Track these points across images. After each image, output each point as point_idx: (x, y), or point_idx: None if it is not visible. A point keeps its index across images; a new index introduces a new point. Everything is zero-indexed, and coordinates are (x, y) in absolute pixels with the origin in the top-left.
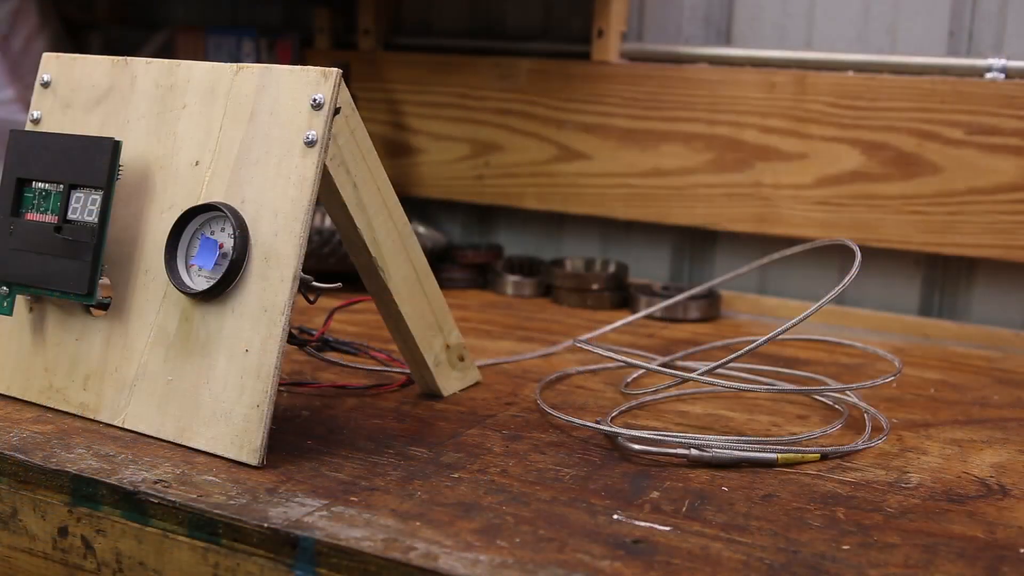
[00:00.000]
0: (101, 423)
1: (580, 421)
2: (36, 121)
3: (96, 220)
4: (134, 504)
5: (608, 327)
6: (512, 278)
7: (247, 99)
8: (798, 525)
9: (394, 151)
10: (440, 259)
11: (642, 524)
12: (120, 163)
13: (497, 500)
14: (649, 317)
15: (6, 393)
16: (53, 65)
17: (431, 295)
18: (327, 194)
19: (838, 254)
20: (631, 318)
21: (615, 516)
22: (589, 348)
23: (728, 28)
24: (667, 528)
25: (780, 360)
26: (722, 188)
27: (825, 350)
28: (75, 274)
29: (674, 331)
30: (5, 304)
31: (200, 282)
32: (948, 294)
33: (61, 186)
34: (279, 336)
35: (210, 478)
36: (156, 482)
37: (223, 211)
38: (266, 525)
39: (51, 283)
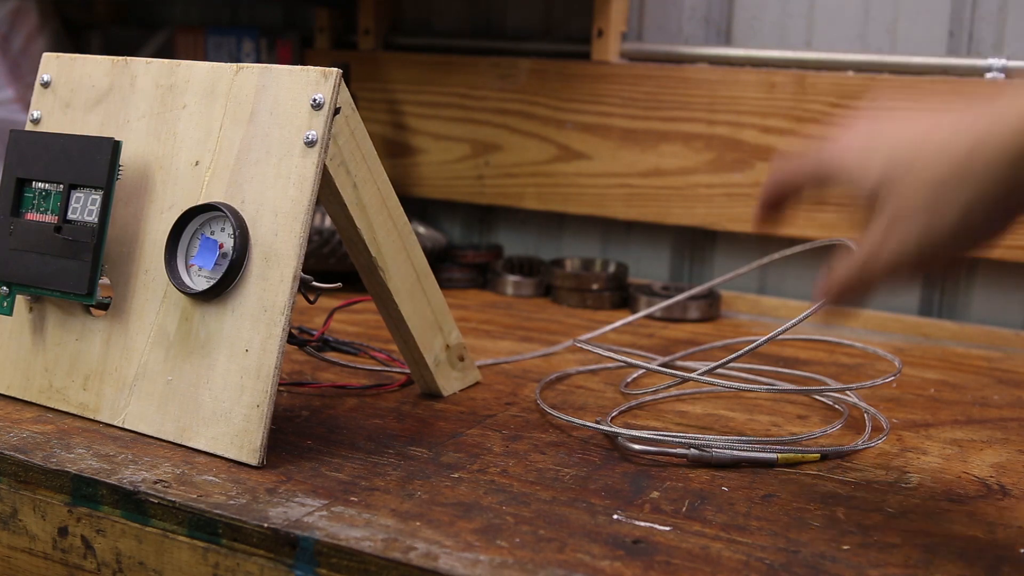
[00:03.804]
0: (101, 423)
1: (580, 421)
2: (36, 121)
3: (96, 220)
4: (134, 504)
5: (608, 327)
6: (512, 278)
7: (247, 99)
8: (798, 525)
9: (394, 151)
10: (440, 259)
11: (642, 524)
12: (120, 163)
13: (497, 500)
14: (649, 317)
15: (6, 393)
16: (53, 65)
17: (431, 295)
18: (327, 194)
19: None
20: (631, 318)
21: (615, 516)
22: (589, 348)
23: (728, 28)
24: (667, 528)
25: (780, 360)
26: (722, 188)
27: (825, 350)
28: (75, 274)
29: (674, 331)
30: (5, 304)
31: (200, 282)
32: (948, 294)
33: (61, 186)
34: (279, 336)
35: (210, 478)
36: (156, 482)
37: (223, 211)
38: (266, 525)
39: (51, 283)
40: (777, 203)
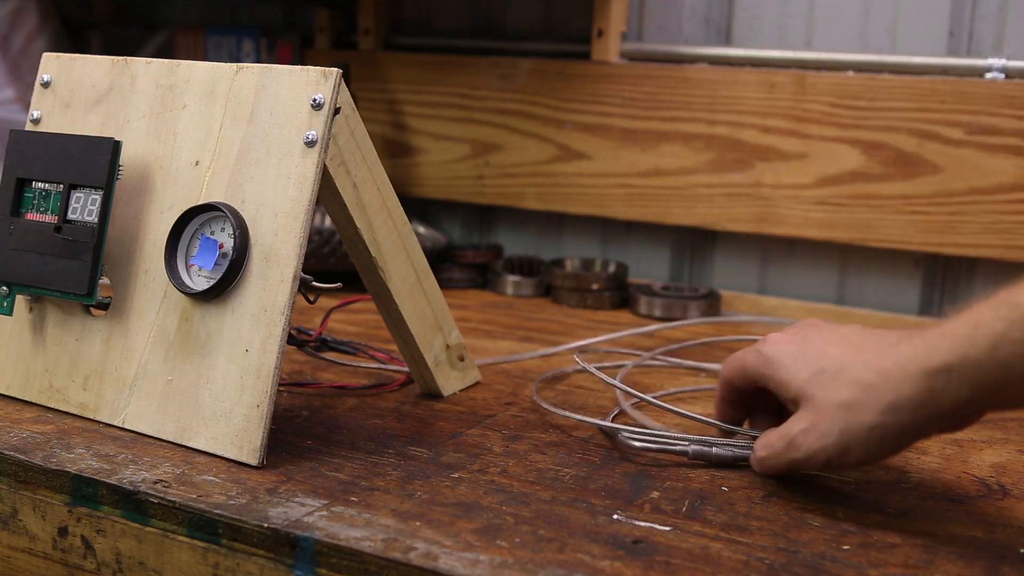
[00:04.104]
0: (101, 423)
1: (580, 417)
2: (36, 121)
3: (96, 220)
4: (134, 504)
5: (605, 336)
6: (512, 278)
7: (247, 99)
8: (798, 525)
9: (394, 151)
10: (440, 259)
11: (642, 524)
12: (120, 163)
13: (497, 500)
14: (649, 316)
15: (6, 393)
16: (53, 65)
17: (431, 295)
18: (327, 194)
19: (838, 254)
20: (637, 330)
21: (615, 516)
22: (587, 367)
23: (728, 28)
24: (667, 528)
25: None
26: (722, 188)
27: None
28: (75, 274)
29: (674, 331)
30: (5, 304)
31: (200, 282)
32: (948, 294)
33: (61, 186)
34: (279, 336)
35: (210, 478)
36: (156, 482)
37: (223, 211)
38: (266, 525)
39: (51, 283)
40: (731, 402)
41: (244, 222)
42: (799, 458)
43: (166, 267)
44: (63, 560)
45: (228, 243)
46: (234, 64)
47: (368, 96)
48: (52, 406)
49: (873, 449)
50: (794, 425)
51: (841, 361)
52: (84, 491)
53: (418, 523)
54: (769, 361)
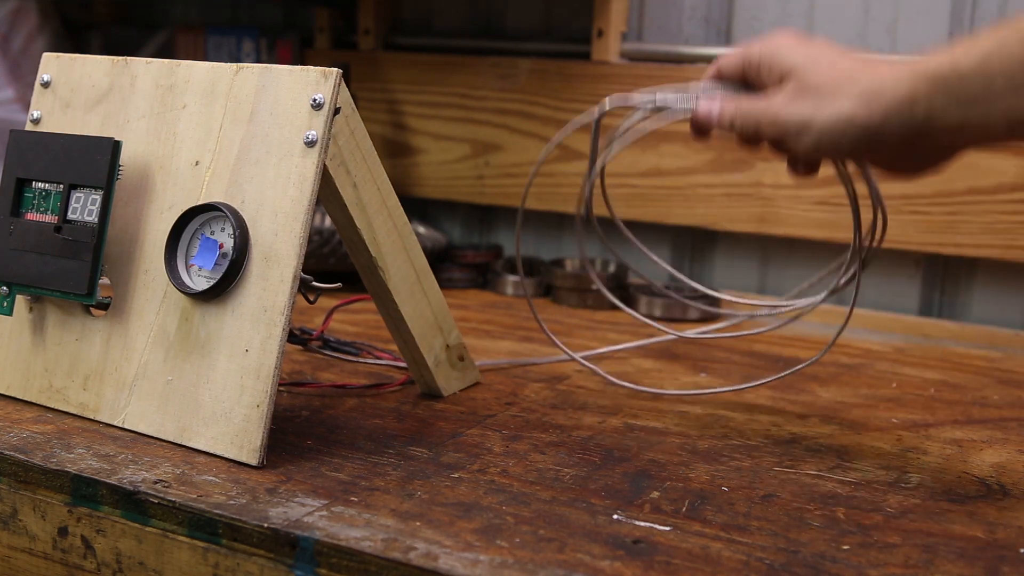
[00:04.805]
0: (101, 423)
1: None
2: (36, 121)
3: (96, 220)
4: (134, 504)
5: (615, 347)
6: (512, 278)
7: (247, 99)
8: (798, 525)
9: (394, 151)
10: (440, 259)
11: (642, 524)
12: (120, 163)
13: (497, 500)
14: (650, 316)
15: (6, 393)
16: (53, 65)
17: (431, 295)
18: (327, 194)
19: (838, 254)
20: (645, 342)
21: (615, 516)
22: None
23: (728, 28)
24: (667, 528)
25: (780, 360)
26: (722, 188)
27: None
28: (75, 274)
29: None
30: (5, 304)
31: (200, 282)
32: (948, 294)
33: (61, 186)
34: (279, 336)
35: (210, 478)
36: (156, 482)
37: (223, 211)
38: (266, 525)
39: (51, 283)
40: (722, 75)
41: (244, 222)
42: (770, 117)
43: (166, 267)
44: (63, 560)
45: (228, 243)
46: (234, 64)
47: (368, 96)
48: (52, 406)
49: (827, 138)
50: (771, 95)
51: (841, 59)
52: (84, 491)
53: (418, 523)
54: (776, 48)
